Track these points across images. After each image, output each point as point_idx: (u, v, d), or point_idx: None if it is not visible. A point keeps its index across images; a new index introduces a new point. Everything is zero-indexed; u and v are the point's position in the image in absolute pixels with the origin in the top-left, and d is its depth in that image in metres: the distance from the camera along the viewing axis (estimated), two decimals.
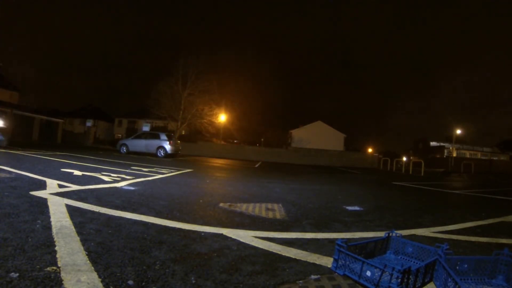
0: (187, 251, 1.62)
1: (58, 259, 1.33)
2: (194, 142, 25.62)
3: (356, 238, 2.19)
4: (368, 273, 1.30)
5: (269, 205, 3.19)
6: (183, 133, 29.03)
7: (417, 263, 1.60)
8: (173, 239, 1.81)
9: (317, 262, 1.60)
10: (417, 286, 1.30)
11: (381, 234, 2.07)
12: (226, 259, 1.56)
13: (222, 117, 28.53)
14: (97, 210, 2.32)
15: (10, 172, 3.89)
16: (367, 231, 2.42)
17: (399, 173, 14.92)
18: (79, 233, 1.72)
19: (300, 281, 1.36)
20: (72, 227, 1.83)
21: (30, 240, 1.53)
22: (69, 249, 1.46)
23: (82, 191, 3.04)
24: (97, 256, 1.42)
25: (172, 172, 6.39)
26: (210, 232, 2.03)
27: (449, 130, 41.56)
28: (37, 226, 1.77)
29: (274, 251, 1.75)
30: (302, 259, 1.64)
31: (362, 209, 3.43)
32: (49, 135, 26.76)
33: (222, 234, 2.00)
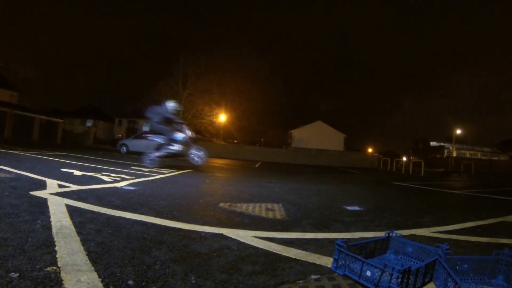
0: (187, 251, 1.62)
1: (58, 259, 1.33)
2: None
3: (356, 238, 2.19)
4: (368, 273, 1.30)
5: (269, 205, 3.19)
6: None
7: (417, 263, 1.60)
8: (173, 239, 1.81)
9: (317, 262, 1.60)
10: (417, 286, 1.30)
11: (381, 234, 2.07)
12: (226, 259, 1.55)
13: (222, 117, 28.56)
14: (97, 210, 2.32)
15: (10, 172, 3.89)
16: (367, 231, 2.42)
17: (399, 173, 14.92)
18: (79, 233, 1.72)
19: (300, 281, 1.36)
20: (72, 227, 1.82)
21: (30, 240, 1.53)
22: (69, 249, 1.46)
23: (82, 191, 3.04)
24: (97, 256, 1.42)
25: (172, 172, 6.39)
26: (210, 232, 2.03)
27: (449, 130, 41.65)
28: (37, 226, 1.77)
29: (274, 251, 1.75)
30: (302, 259, 1.64)
31: (362, 209, 3.43)
32: (49, 135, 26.76)
33: (222, 234, 2.00)
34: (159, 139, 6.76)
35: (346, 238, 1.71)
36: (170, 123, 6.72)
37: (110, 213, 2.27)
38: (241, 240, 1.91)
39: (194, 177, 5.76)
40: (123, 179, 4.31)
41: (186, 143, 6.81)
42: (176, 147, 6.70)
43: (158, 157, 6.80)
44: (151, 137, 7.06)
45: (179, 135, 6.74)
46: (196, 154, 6.81)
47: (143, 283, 1.21)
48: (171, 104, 6.80)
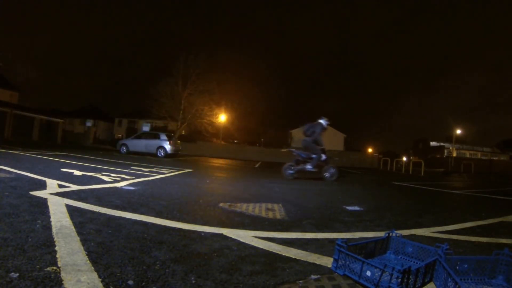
0: (187, 251, 1.62)
1: (58, 259, 1.33)
2: (194, 142, 25.62)
3: (356, 238, 2.19)
4: (368, 273, 1.30)
5: (269, 205, 3.19)
6: (183, 133, 29.04)
7: (417, 263, 1.60)
8: (173, 239, 1.81)
9: (317, 262, 1.60)
10: (417, 286, 1.30)
11: (381, 234, 2.07)
12: (226, 259, 1.56)
13: (222, 117, 28.57)
14: (97, 210, 2.32)
15: (10, 172, 3.89)
16: (367, 231, 2.42)
17: (399, 173, 14.92)
18: (79, 233, 1.72)
19: (300, 281, 1.36)
20: (72, 227, 1.83)
21: (30, 240, 1.53)
22: (69, 249, 1.46)
23: (82, 191, 3.04)
24: (97, 256, 1.42)
25: (172, 172, 6.39)
26: (210, 232, 2.03)
27: (449, 130, 41.67)
28: (37, 226, 1.77)
29: (274, 251, 1.75)
30: (302, 259, 1.64)
31: (362, 209, 3.43)
32: (49, 135, 26.78)
33: (222, 234, 2.00)
34: (303, 155, 7.27)
35: (346, 238, 1.71)
36: (318, 143, 7.21)
37: (110, 213, 2.27)
38: (241, 240, 1.91)
39: (194, 177, 5.76)
40: (123, 179, 4.31)
41: (325, 163, 7.32)
42: (315, 166, 7.11)
43: (298, 171, 7.16)
44: (295, 152, 7.49)
45: (323, 156, 7.22)
46: (330, 172, 7.27)
47: (143, 283, 1.21)
48: (324, 122, 7.29)
